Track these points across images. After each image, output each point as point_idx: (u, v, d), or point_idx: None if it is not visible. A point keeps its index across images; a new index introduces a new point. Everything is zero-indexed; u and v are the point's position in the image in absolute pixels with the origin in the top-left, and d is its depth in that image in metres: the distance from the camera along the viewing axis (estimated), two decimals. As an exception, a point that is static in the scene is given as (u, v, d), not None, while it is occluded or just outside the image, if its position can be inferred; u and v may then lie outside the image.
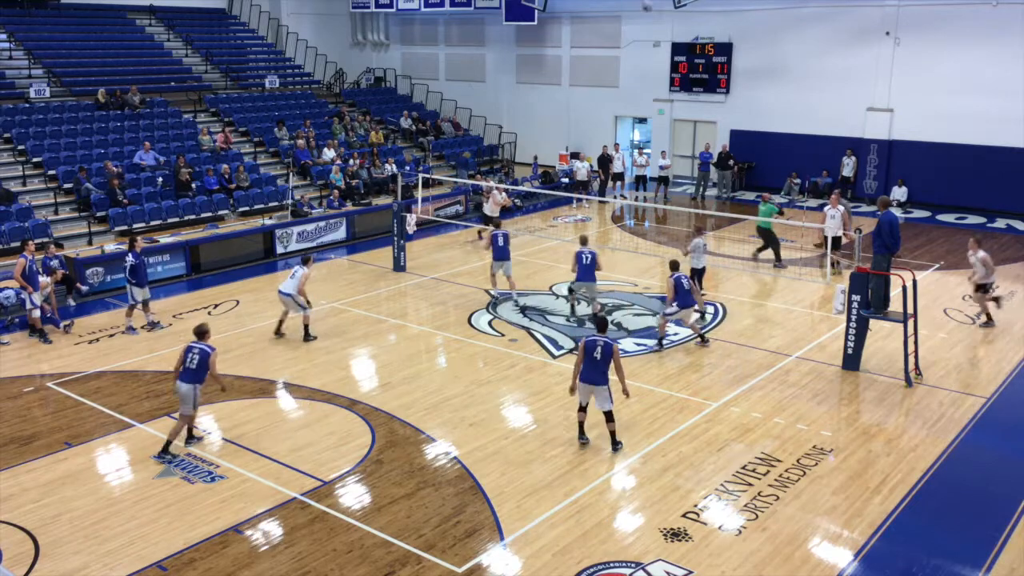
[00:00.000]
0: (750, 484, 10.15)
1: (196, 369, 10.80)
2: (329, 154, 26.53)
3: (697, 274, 16.39)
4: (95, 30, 29.65)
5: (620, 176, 28.72)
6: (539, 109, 33.32)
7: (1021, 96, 23.69)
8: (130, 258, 15.44)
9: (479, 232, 20.71)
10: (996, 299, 15.84)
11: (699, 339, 14.74)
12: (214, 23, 33.81)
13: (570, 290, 16.64)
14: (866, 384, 13.15)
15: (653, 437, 11.36)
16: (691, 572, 8.51)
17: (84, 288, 17.37)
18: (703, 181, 28.20)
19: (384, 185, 26.20)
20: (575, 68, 32.46)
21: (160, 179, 22.33)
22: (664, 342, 14.57)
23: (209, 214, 22.10)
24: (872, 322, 13.71)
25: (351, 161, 26.49)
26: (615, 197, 28.11)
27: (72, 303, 17.07)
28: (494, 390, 12.98)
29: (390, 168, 26.55)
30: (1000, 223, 24.21)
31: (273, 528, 9.34)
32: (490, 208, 21.50)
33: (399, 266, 19.53)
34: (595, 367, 10.73)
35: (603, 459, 10.80)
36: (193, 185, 22.40)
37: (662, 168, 28.17)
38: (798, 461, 10.72)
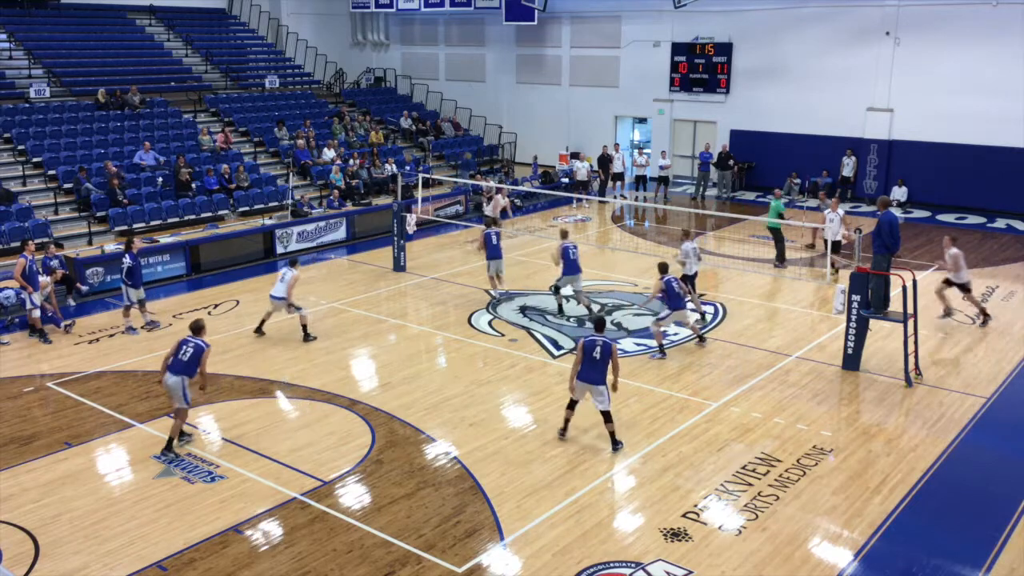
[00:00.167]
0: (750, 484, 10.16)
1: (187, 362, 10.76)
2: (329, 154, 26.54)
3: (689, 280, 15.96)
4: (95, 30, 29.65)
5: (620, 176, 28.73)
6: (539, 109, 33.33)
7: (1021, 96, 23.69)
8: (127, 259, 15.44)
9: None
10: (948, 312, 15.83)
11: (697, 339, 14.72)
12: (214, 23, 33.81)
13: (556, 288, 16.51)
14: (866, 384, 13.16)
15: (653, 437, 11.36)
16: (691, 572, 8.51)
17: (84, 288, 17.37)
18: (703, 181, 28.20)
19: (384, 185, 26.20)
20: (575, 68, 32.47)
21: (160, 179, 22.33)
22: (664, 344, 14.39)
23: (209, 214, 22.11)
24: (872, 322, 13.71)
25: (351, 161, 26.49)
26: (615, 197, 28.11)
27: (72, 303, 17.08)
28: (494, 390, 12.98)
29: (390, 168, 26.55)
30: (1000, 223, 24.21)
31: (273, 528, 9.34)
32: (490, 210, 21.46)
33: (399, 266, 19.54)
34: (594, 366, 10.77)
35: (603, 459, 10.80)
36: (193, 185, 22.40)
37: (662, 168, 28.17)
38: (798, 461, 10.72)
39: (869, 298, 13.26)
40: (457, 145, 31.27)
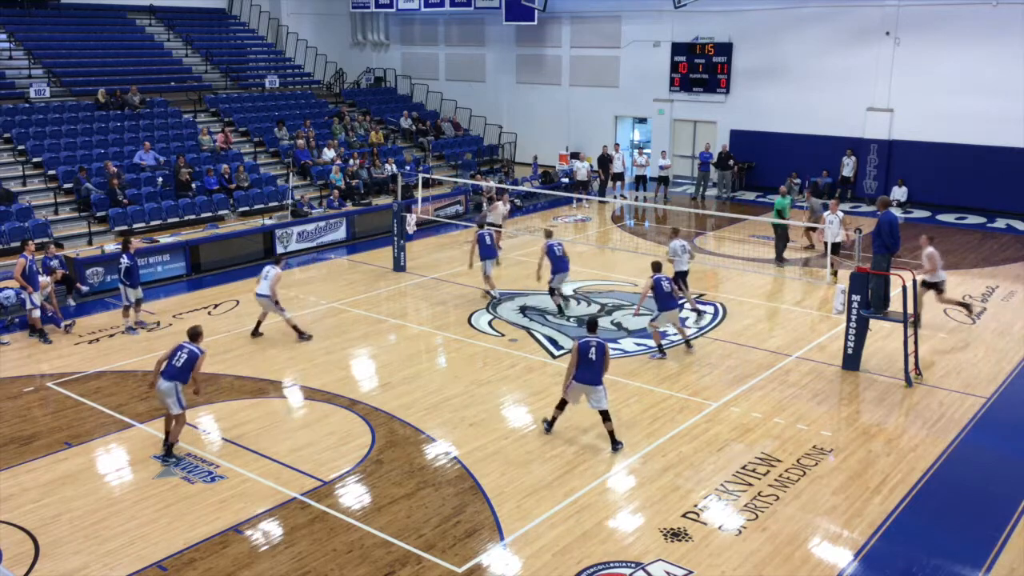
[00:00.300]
0: (750, 484, 10.16)
1: (181, 367, 10.70)
2: (329, 154, 26.54)
3: (681, 277, 15.98)
4: (95, 30, 29.66)
5: (620, 176, 28.74)
6: (539, 109, 33.33)
7: (1021, 96, 23.69)
8: (124, 259, 15.44)
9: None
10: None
11: (684, 344, 14.42)
12: (214, 23, 33.81)
13: (552, 291, 16.56)
14: (866, 384, 13.16)
15: (653, 437, 11.36)
16: (691, 572, 8.51)
17: (84, 288, 17.37)
18: (703, 181, 28.20)
19: (384, 185, 26.21)
20: (575, 68, 32.47)
21: (160, 179, 22.33)
22: (664, 344, 14.34)
23: (209, 214, 22.11)
24: (872, 322, 13.71)
25: (351, 161, 26.49)
26: (615, 197, 28.11)
27: (72, 303, 17.08)
28: (494, 390, 12.98)
29: (390, 168, 26.55)
30: (1000, 223, 24.21)
31: (273, 528, 9.34)
32: (494, 217, 21.05)
33: (399, 266, 19.54)
34: (591, 368, 10.83)
35: (603, 459, 10.80)
36: (193, 185, 22.40)
37: (662, 168, 28.17)
38: (798, 461, 10.72)
39: (869, 298, 13.26)
40: (457, 145, 31.27)
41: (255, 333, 15.23)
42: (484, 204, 24.91)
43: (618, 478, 10.38)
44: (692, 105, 29.97)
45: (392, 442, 11.32)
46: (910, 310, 13.06)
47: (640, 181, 29.18)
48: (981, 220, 24.60)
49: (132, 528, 9.32)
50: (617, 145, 30.50)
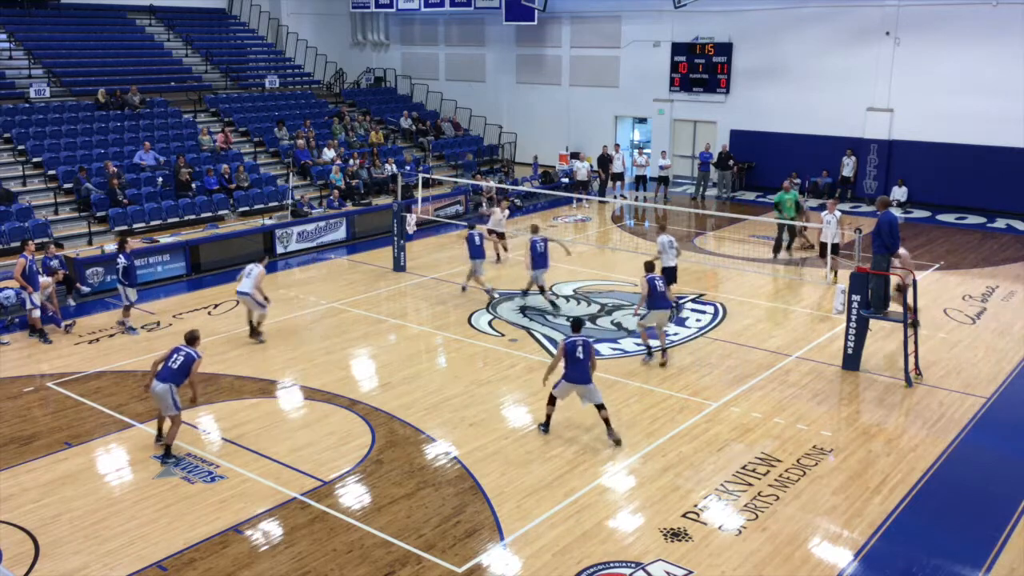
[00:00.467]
0: (750, 484, 10.16)
1: (176, 370, 10.67)
2: (329, 154, 26.54)
3: (668, 273, 15.88)
4: (95, 30, 29.66)
5: (620, 176, 28.75)
6: (539, 109, 33.33)
7: (1021, 96, 23.69)
8: (122, 259, 15.45)
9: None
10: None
11: (661, 352, 13.98)
12: (214, 23, 33.81)
13: (541, 289, 16.67)
14: (866, 384, 13.16)
15: (653, 437, 11.36)
16: (691, 572, 8.51)
17: (84, 288, 17.37)
18: (703, 181, 28.20)
19: (384, 185, 26.21)
20: (575, 68, 32.46)
21: (160, 179, 22.33)
22: (652, 348, 14.07)
23: (209, 214, 22.11)
24: (872, 322, 13.71)
25: (351, 161, 26.49)
26: (615, 197, 28.12)
27: (72, 303, 17.08)
28: (494, 390, 12.98)
29: (390, 168, 26.55)
30: (1000, 223, 24.21)
31: (273, 528, 9.34)
32: (493, 223, 20.93)
33: (399, 266, 19.54)
34: (579, 366, 11.02)
35: (603, 459, 10.81)
36: (193, 185, 22.40)
37: (662, 168, 28.17)
38: (798, 461, 10.72)
39: (869, 298, 13.26)
40: (457, 145, 31.28)
41: (253, 333, 15.21)
42: (484, 204, 24.93)
43: (618, 478, 10.38)
44: (692, 105, 29.97)
45: (392, 442, 11.32)
46: (910, 310, 13.06)
47: (640, 181, 29.18)
48: (981, 220, 24.59)
49: (132, 528, 9.32)
50: (617, 145, 30.49)
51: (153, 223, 21.03)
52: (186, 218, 21.69)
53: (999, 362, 14.04)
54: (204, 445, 11.27)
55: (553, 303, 16.55)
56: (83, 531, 9.28)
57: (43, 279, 15.70)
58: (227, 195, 22.79)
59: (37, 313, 15.20)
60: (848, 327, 13.51)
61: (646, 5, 29.74)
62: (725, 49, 28.77)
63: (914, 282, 13.24)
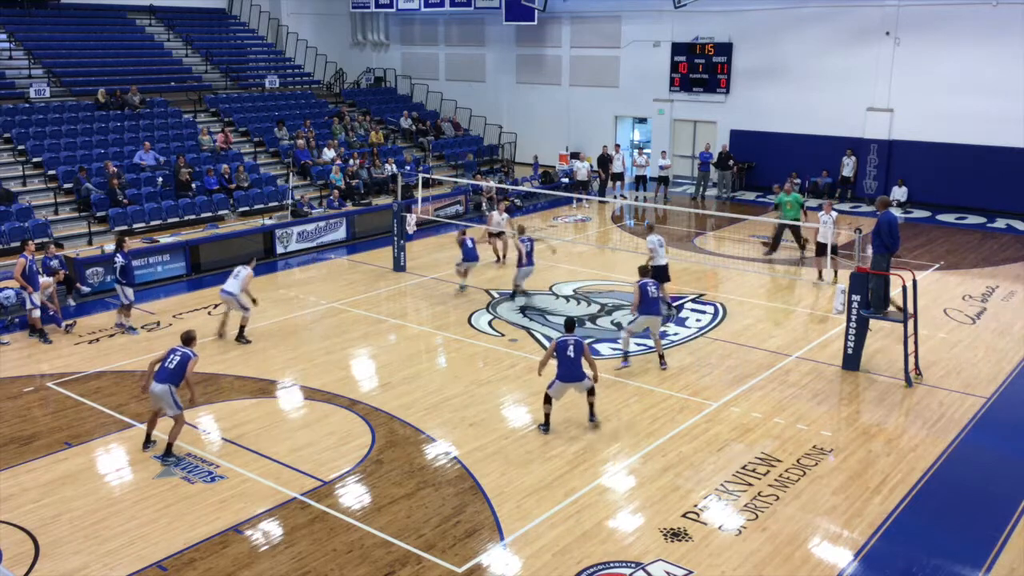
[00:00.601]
0: (750, 484, 10.16)
1: (173, 369, 10.70)
2: (329, 154, 26.54)
3: (659, 272, 15.85)
4: (95, 30, 29.66)
5: (620, 176, 28.75)
6: (539, 109, 33.33)
7: (1021, 96, 23.69)
8: (119, 259, 15.44)
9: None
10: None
11: (659, 357, 13.80)
12: (214, 23, 33.81)
13: (524, 292, 17.17)
14: (866, 384, 13.16)
15: (653, 437, 11.36)
16: (691, 572, 8.51)
17: (84, 288, 17.37)
18: (703, 181, 28.20)
19: (384, 185, 26.21)
20: (575, 68, 32.47)
21: (160, 179, 22.34)
22: (628, 358, 13.86)
23: (209, 214, 22.11)
24: (872, 322, 13.71)
25: (351, 161, 26.49)
26: (615, 197, 28.12)
27: (72, 303, 17.08)
28: (494, 390, 12.98)
29: (390, 168, 26.55)
30: (1000, 223, 24.21)
31: (273, 528, 9.34)
32: (493, 223, 20.86)
33: (399, 266, 19.54)
34: (572, 365, 11.25)
35: (603, 459, 10.81)
36: (193, 185, 22.40)
37: (662, 168, 28.17)
38: (798, 461, 10.72)
39: (869, 298, 13.26)
40: (457, 145, 31.28)
41: (240, 339, 14.95)
42: (484, 204, 24.92)
43: (618, 478, 10.38)
44: (692, 105, 29.97)
45: (392, 442, 11.32)
46: (910, 309, 13.06)
47: (640, 181, 29.18)
48: (981, 220, 24.59)
49: (132, 528, 9.32)
50: (617, 145, 30.49)
51: (153, 223, 21.03)
52: (186, 218, 21.69)
53: (999, 362, 14.04)
54: (204, 445, 11.27)
55: (525, 293, 17.31)
56: (83, 531, 9.28)
57: (44, 279, 15.71)
58: (227, 195, 22.79)
59: (37, 313, 15.20)
60: (848, 327, 13.51)
61: (646, 5, 29.74)
62: (725, 49, 28.77)
63: (915, 282, 13.21)
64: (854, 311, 13.28)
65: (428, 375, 13.63)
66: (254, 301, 14.97)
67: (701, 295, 17.65)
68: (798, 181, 27.06)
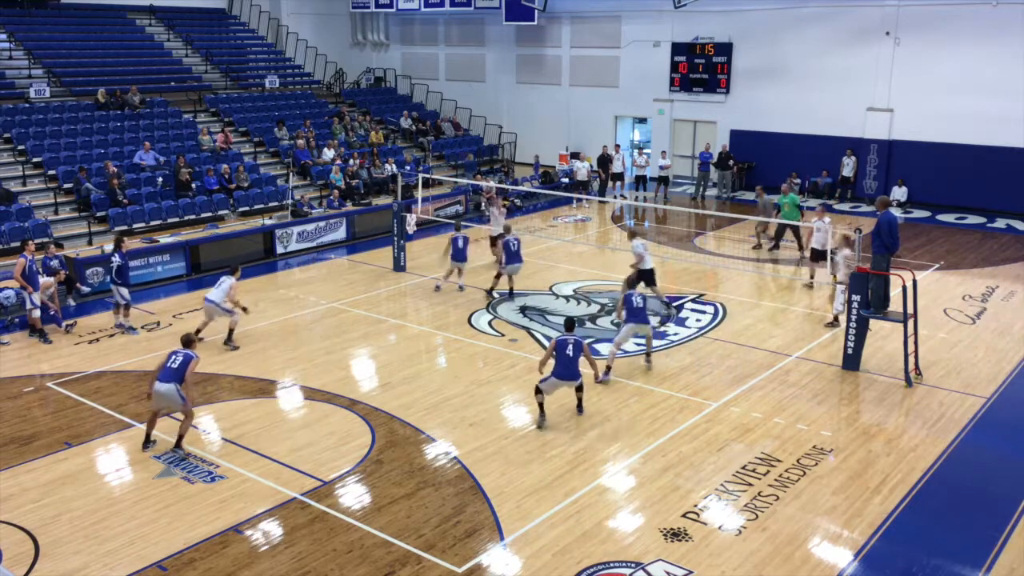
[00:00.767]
0: (750, 484, 10.15)
1: (177, 369, 10.81)
2: (329, 154, 26.54)
3: (646, 275, 16.11)
4: (95, 30, 29.66)
5: (620, 176, 28.76)
6: (539, 109, 33.33)
7: (1021, 96, 23.69)
8: (116, 258, 15.42)
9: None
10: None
11: (645, 355, 13.81)
12: (214, 23, 33.81)
13: (503, 279, 17.40)
14: (866, 384, 13.15)
15: (653, 437, 11.36)
16: (691, 572, 8.51)
17: (84, 288, 17.37)
18: (703, 181, 28.21)
19: (384, 185, 26.21)
20: (575, 68, 32.47)
21: (160, 179, 22.34)
22: (652, 350, 13.83)
23: (209, 214, 22.11)
24: (872, 322, 13.71)
25: (351, 161, 26.49)
26: (615, 197, 28.12)
27: (72, 303, 17.07)
28: (494, 390, 12.98)
29: (390, 168, 26.55)
30: (1000, 223, 24.21)
31: (273, 528, 9.34)
32: (493, 224, 20.76)
33: (399, 266, 19.54)
34: (570, 364, 11.44)
35: (603, 459, 10.81)
36: (193, 185, 22.40)
37: (662, 168, 28.18)
38: (798, 461, 10.72)
39: (869, 298, 13.25)
40: (457, 145, 31.28)
41: (227, 342, 14.77)
42: (483, 204, 24.91)
43: (618, 478, 10.38)
44: (692, 105, 29.97)
45: (392, 442, 11.32)
46: (910, 310, 13.06)
47: (640, 181, 29.18)
48: (981, 220, 24.59)
49: (132, 528, 9.32)
50: (617, 145, 30.49)
51: (153, 223, 21.03)
52: (186, 218, 21.70)
53: (999, 362, 14.04)
54: (204, 445, 11.27)
55: (490, 291, 17.54)
56: (83, 531, 9.28)
57: (45, 279, 15.71)
58: (227, 195, 22.79)
59: (37, 313, 15.20)
60: (848, 327, 13.51)
61: (646, 5, 29.74)
62: (725, 49, 28.77)
63: (915, 282, 13.21)
64: (854, 311, 13.27)
65: (428, 375, 13.63)
66: (244, 310, 14.85)
67: (701, 295, 17.65)
68: (798, 181, 27.10)
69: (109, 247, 18.47)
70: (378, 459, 10.85)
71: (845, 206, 26.32)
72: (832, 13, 26.45)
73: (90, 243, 19.72)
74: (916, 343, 13.31)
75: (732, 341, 14.99)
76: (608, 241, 23.26)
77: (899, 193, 26.24)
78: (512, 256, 17.13)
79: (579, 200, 27.40)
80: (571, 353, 11.42)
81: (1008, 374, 13.56)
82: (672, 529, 9.23)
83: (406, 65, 36.81)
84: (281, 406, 12.68)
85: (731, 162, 27.89)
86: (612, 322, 15.87)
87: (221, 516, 9.53)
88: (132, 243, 18.63)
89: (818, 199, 26.76)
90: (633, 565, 8.61)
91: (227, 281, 14.60)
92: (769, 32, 27.72)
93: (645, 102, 30.86)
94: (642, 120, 32.52)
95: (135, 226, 20.64)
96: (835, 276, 16.11)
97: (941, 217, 24.99)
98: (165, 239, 19.77)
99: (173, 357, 10.94)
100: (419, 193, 21.80)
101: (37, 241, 17.24)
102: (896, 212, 22.95)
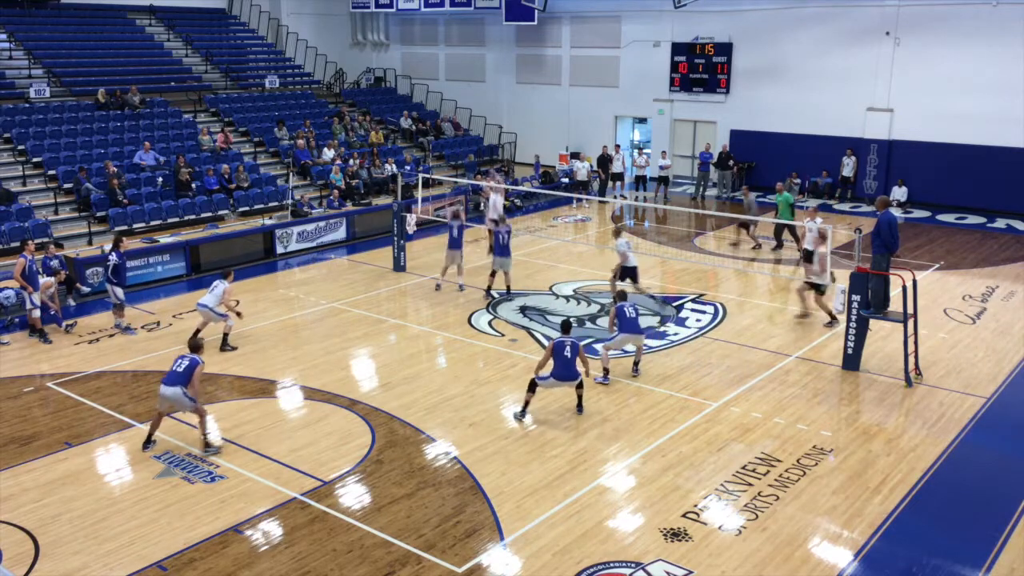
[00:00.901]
0: (750, 484, 10.15)
1: (182, 373, 10.83)
2: (329, 154, 26.54)
3: (631, 272, 16.54)
4: (95, 30, 29.67)
5: (620, 176, 28.76)
6: (539, 109, 33.33)
7: (1021, 96, 23.69)
8: (113, 257, 15.36)
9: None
10: (805, 314, 15.93)
11: (603, 374, 13.42)
12: (214, 23, 33.81)
13: (493, 274, 17.49)
14: (866, 384, 13.15)
15: (653, 437, 11.36)
16: (691, 572, 8.51)
17: (84, 288, 17.36)
18: (703, 181, 28.21)
19: (384, 185, 26.21)
20: (575, 68, 32.47)
21: (160, 179, 22.34)
22: (608, 375, 13.42)
23: (209, 214, 22.11)
24: (872, 322, 13.71)
25: (351, 161, 26.49)
26: (615, 197, 28.11)
27: (72, 303, 17.07)
28: (494, 390, 12.98)
29: (390, 168, 26.56)
30: (1000, 223, 24.21)
31: (273, 528, 9.34)
32: (492, 208, 20.85)
33: (399, 266, 19.54)
34: (568, 365, 11.59)
35: (603, 459, 10.81)
36: (193, 185, 22.41)
37: (662, 168, 28.18)
38: (798, 461, 10.72)
39: (869, 298, 13.25)
40: (457, 145, 31.28)
41: (223, 347, 14.71)
42: (482, 203, 24.89)
43: (618, 478, 10.38)
44: (692, 105, 29.97)
45: (392, 442, 11.32)
46: (909, 309, 13.06)
47: (640, 181, 29.18)
48: (981, 220, 24.59)
49: (132, 528, 9.32)
50: (617, 145, 30.49)
51: (153, 223, 21.03)
52: (186, 218, 21.70)
53: (999, 362, 14.04)
54: (204, 445, 11.26)
55: (508, 291, 17.54)
56: (83, 531, 9.28)
57: (45, 279, 15.70)
58: (227, 195, 22.79)
59: (37, 313, 15.20)
60: (848, 327, 13.51)
61: (646, 5, 29.74)
62: (725, 49, 28.77)
63: (915, 282, 13.20)
64: (854, 311, 13.27)
65: (428, 375, 13.63)
66: (239, 315, 14.84)
67: (701, 295, 17.65)
68: (798, 181, 27.13)
69: (109, 247, 18.50)
70: (378, 459, 10.85)
71: (845, 206, 26.32)
72: (832, 13, 26.45)
73: (90, 243, 19.72)
74: (916, 343, 13.31)
75: (732, 341, 14.99)
76: (608, 241, 23.21)
77: (899, 193, 26.24)
78: (500, 249, 17.25)
79: (579, 200, 27.40)
80: (568, 354, 11.59)
81: (1008, 374, 13.56)
82: (672, 529, 9.23)
83: (406, 65, 36.81)
84: (281, 406, 12.68)
85: (731, 162, 27.89)
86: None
87: (221, 516, 9.54)
88: (132, 243, 18.63)
89: (818, 199, 26.79)
90: (633, 565, 8.61)
91: (220, 285, 14.54)
92: (769, 32, 27.71)
93: (645, 102, 30.86)
94: (642, 120, 32.52)
95: (135, 226, 20.64)
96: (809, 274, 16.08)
97: (941, 217, 24.99)
98: (165, 239, 19.77)
99: (179, 361, 10.97)
100: (419, 193, 21.80)
101: (37, 241, 17.24)
102: (896, 212, 22.94)
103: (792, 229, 20.35)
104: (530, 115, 33.50)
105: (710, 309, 16.75)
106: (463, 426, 11.76)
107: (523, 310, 16.73)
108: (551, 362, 11.71)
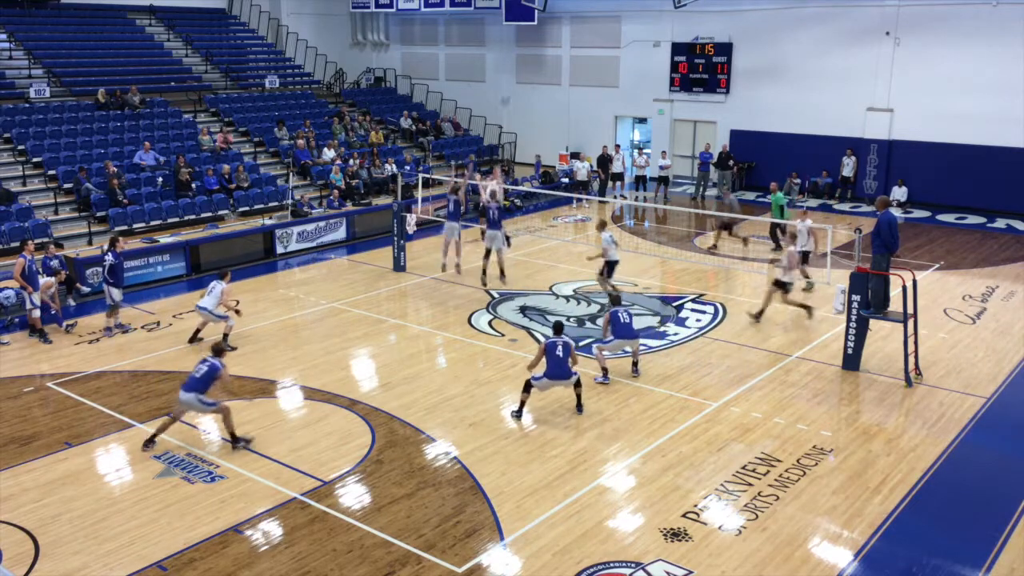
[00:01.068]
0: (750, 484, 10.15)
1: (200, 379, 10.86)
2: (329, 154, 26.54)
3: (610, 266, 16.72)
4: (95, 30, 29.66)
5: (620, 176, 28.76)
6: (539, 109, 33.33)
7: (1021, 96, 23.69)
8: (110, 257, 15.31)
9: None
10: (759, 315, 15.93)
11: (633, 365, 13.61)
12: (214, 23, 33.81)
13: (488, 252, 17.94)
14: (866, 384, 13.15)
15: (653, 437, 11.36)
16: (691, 572, 8.51)
17: (84, 288, 17.36)
18: (703, 181, 28.20)
19: (384, 185, 26.22)
20: (575, 68, 32.47)
21: (160, 179, 22.34)
22: (608, 374, 13.38)
23: (209, 214, 22.11)
24: (872, 322, 13.71)
25: (351, 161, 26.49)
26: (615, 197, 28.11)
27: (72, 303, 17.07)
28: (494, 390, 12.98)
29: (390, 168, 26.56)
30: (1000, 223, 24.21)
31: (273, 528, 9.34)
32: (490, 195, 20.43)
33: (399, 266, 19.54)
34: (560, 364, 11.69)
35: (603, 459, 10.81)
36: (193, 185, 22.41)
37: (662, 168, 28.18)
38: (798, 461, 10.72)
39: (869, 298, 13.25)
40: (457, 145, 31.27)
41: (193, 340, 14.78)
42: (481, 203, 24.87)
43: (618, 478, 10.38)
44: (692, 105, 29.97)
45: (392, 442, 11.32)
46: (909, 310, 13.06)
47: (640, 181, 29.18)
48: (981, 220, 24.59)
49: (132, 528, 9.32)
50: (617, 145, 30.50)
51: (153, 223, 21.03)
52: (186, 218, 21.70)
53: (999, 362, 14.04)
54: (204, 445, 11.27)
55: (501, 274, 17.97)
56: (83, 531, 9.28)
57: (45, 279, 15.69)
58: (227, 195, 22.79)
59: (37, 313, 15.19)
60: (848, 327, 13.51)
61: (646, 5, 29.74)
62: (725, 49, 28.77)
63: (915, 282, 13.20)
64: (854, 311, 13.27)
65: (428, 375, 13.63)
66: (238, 312, 14.83)
67: (701, 295, 17.65)
68: (798, 181, 27.14)
69: (106, 246, 18.49)
70: (378, 459, 10.85)
71: (845, 206, 26.32)
72: (832, 13, 26.45)
73: (90, 243, 19.72)
74: (916, 343, 13.31)
75: (732, 341, 14.99)
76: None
77: (899, 193, 26.23)
78: (491, 223, 17.66)
79: (579, 200, 27.40)
80: (560, 354, 11.67)
81: (1008, 374, 13.56)
82: (672, 529, 9.23)
83: (406, 65, 36.81)
84: (281, 406, 12.68)
85: (731, 162, 27.88)
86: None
87: (221, 516, 9.54)
88: (132, 243, 18.65)
89: (818, 199, 26.79)
90: (633, 565, 8.61)
91: (218, 286, 14.53)
92: (769, 32, 27.71)
93: (645, 102, 30.86)
94: (642, 120, 32.52)
95: (135, 226, 20.64)
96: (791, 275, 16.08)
97: (941, 217, 24.99)
98: (165, 239, 19.77)
99: (199, 366, 10.98)
100: (419, 193, 21.79)
101: (37, 241, 17.22)
102: (896, 212, 22.93)
103: (784, 229, 20.32)
104: (530, 115, 33.49)
105: (710, 309, 16.75)
106: (463, 426, 11.76)
107: (523, 310, 16.73)
108: (544, 362, 11.78)
